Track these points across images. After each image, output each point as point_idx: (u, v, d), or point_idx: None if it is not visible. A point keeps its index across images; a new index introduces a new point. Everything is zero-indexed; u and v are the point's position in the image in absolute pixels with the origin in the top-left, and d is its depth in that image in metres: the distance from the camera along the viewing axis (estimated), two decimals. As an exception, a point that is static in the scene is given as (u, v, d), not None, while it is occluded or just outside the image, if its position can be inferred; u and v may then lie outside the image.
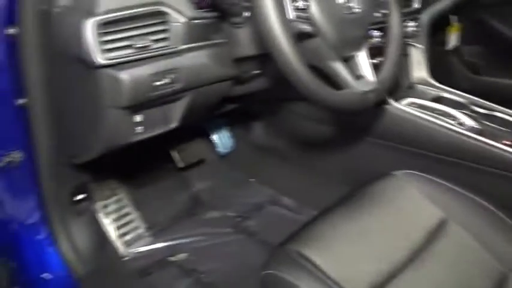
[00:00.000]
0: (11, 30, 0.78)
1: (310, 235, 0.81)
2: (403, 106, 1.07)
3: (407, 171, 0.94)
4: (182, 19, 0.77)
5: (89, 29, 0.68)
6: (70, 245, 1.01)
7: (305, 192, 1.36)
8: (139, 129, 0.81)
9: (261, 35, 0.70)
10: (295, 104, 1.25)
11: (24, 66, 0.80)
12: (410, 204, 0.87)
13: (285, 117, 1.32)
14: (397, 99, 1.08)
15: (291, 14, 0.72)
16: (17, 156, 0.93)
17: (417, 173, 0.93)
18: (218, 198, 1.43)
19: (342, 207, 0.87)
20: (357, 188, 0.92)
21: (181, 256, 1.22)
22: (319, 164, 1.31)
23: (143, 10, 0.73)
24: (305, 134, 1.32)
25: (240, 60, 0.89)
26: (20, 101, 0.86)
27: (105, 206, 1.24)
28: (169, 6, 0.75)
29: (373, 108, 0.99)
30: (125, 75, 0.71)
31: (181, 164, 1.39)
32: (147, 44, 0.73)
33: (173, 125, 0.86)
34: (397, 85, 1.12)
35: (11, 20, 0.77)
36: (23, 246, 1.00)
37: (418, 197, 0.89)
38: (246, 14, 0.83)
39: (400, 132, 1.05)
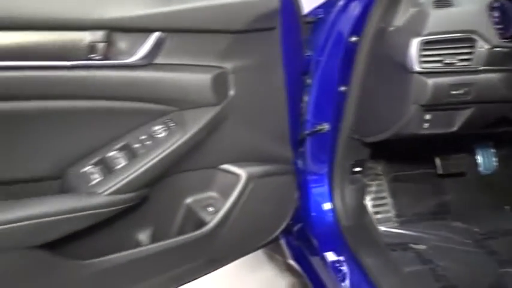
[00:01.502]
0: (353, 39, 1.11)
1: None
2: None
3: None
4: (487, 46, 0.95)
5: (414, 45, 0.94)
6: (341, 201, 1.32)
7: None
8: (426, 125, 1.04)
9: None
10: None
11: (354, 64, 1.13)
12: None
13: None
14: None
15: None
16: (325, 126, 1.29)
17: None
18: (467, 213, 1.53)
19: None
20: None
21: (421, 247, 1.40)
22: None
23: (457, 36, 0.95)
24: None
25: (529, 87, 1.01)
26: (342, 88, 1.20)
27: (369, 186, 1.53)
28: (480, 35, 0.95)
29: None
30: (431, 82, 0.95)
31: (441, 171, 1.55)
32: (453, 62, 0.95)
33: (453, 129, 1.05)
34: None
35: (355, 31, 1.11)
36: (308, 190, 1.36)
37: None
38: (547, 48, 0.95)
39: None
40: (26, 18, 0.73)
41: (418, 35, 0.95)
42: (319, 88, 1.27)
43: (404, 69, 0.97)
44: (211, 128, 0.96)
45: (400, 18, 1.01)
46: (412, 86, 0.97)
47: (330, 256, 1.28)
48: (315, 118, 1.30)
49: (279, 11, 0.94)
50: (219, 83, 0.94)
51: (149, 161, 0.89)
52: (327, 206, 1.33)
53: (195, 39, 0.89)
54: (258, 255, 1.77)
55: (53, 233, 0.81)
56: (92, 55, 0.80)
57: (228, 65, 0.94)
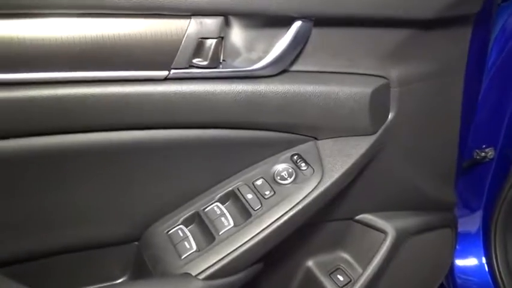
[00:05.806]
0: None
1: None
2: None
3: None
4: None
5: None
6: (503, 256, 0.95)
7: None
8: None
9: None
10: None
11: None
12: None
13: None
14: None
15: None
16: (488, 153, 0.94)
17: None
18: None
19: None
20: None
21: None
22: None
23: None
24: None
25: None
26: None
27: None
28: None
29: None
30: None
31: None
32: None
33: None
34: None
35: None
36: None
37: None
38: None
39: None
40: None
41: None
42: (485, 100, 0.90)
43: None
44: (360, 169, 0.62)
45: None
46: None
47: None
48: (475, 141, 0.93)
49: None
50: (379, 101, 0.60)
51: (269, 226, 0.56)
52: (480, 262, 0.97)
53: (353, 34, 0.55)
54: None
55: None
56: (196, 60, 0.48)
57: (393, 74, 0.60)
